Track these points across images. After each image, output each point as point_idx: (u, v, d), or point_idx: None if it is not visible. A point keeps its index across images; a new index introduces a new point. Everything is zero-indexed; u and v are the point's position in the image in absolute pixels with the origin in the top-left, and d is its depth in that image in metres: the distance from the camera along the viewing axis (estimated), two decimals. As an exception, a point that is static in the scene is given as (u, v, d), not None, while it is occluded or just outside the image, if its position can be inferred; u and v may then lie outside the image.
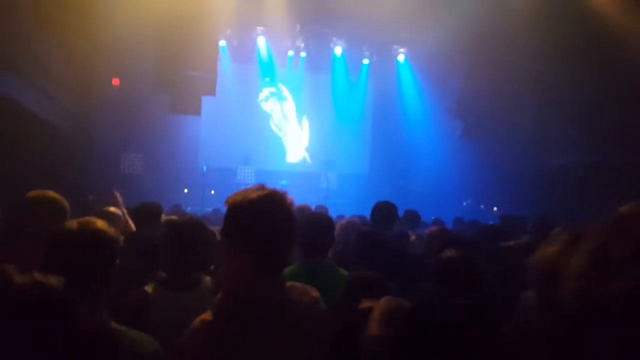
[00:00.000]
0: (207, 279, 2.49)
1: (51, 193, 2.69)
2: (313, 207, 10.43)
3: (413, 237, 4.38)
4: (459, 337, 1.13)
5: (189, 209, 10.48)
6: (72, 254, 1.59)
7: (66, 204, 2.67)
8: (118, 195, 3.81)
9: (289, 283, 1.63)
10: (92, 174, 9.45)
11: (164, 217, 4.57)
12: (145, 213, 3.67)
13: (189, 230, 2.49)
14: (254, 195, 1.55)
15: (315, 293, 1.66)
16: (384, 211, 3.96)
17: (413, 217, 5.02)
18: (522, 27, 8.84)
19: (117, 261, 1.69)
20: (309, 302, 1.61)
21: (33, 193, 2.72)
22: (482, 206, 12.02)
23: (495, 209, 11.48)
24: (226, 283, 1.60)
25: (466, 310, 1.20)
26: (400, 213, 7.04)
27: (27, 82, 6.99)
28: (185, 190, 11.68)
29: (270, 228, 1.52)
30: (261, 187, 1.62)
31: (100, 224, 1.68)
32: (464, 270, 2.18)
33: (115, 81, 10.89)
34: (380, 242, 2.98)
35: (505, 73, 9.67)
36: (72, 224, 1.68)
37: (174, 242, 2.46)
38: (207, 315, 1.53)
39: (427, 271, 2.59)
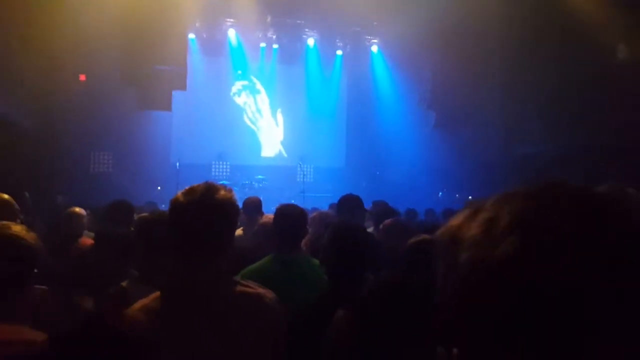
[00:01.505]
0: None
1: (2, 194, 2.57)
2: (288, 202, 10.39)
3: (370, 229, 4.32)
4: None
5: (163, 207, 10.29)
6: None
7: (15, 205, 2.56)
8: None
9: (239, 280, 1.66)
10: (61, 174, 9.16)
11: (136, 215, 4.45)
12: (116, 211, 3.54)
13: (161, 227, 2.43)
14: (184, 191, 1.60)
15: (268, 294, 1.64)
16: (349, 203, 3.92)
17: (381, 209, 4.80)
18: (491, 18, 8.95)
19: (34, 270, 1.63)
20: (251, 300, 1.60)
21: None
22: (457, 195, 12.17)
23: (470, 198, 11.63)
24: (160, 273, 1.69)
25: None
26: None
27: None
28: (159, 188, 11.43)
29: (187, 220, 1.55)
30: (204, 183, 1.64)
31: (15, 230, 1.60)
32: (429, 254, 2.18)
33: (82, 77, 10.53)
34: (351, 234, 3.01)
35: (476, 64, 9.79)
36: None
37: (146, 240, 2.39)
38: (146, 300, 1.56)
39: (388, 261, 2.61)
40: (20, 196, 4.63)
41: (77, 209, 3.95)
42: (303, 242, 3.88)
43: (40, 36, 7.91)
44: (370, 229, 4.43)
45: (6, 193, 6.91)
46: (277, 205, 7.30)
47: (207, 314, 1.51)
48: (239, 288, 1.62)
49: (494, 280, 0.50)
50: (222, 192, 1.59)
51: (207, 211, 1.55)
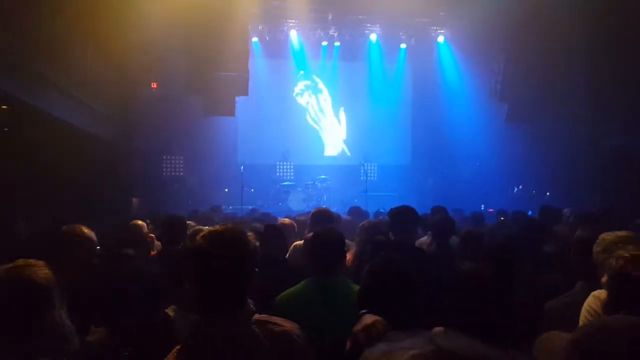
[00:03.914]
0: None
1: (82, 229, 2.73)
2: (352, 202, 10.30)
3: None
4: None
5: (230, 208, 10.61)
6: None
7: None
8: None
9: (263, 318, 1.63)
10: (136, 178, 9.73)
11: (191, 226, 4.54)
12: (169, 227, 3.61)
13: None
14: (201, 237, 1.58)
15: (294, 330, 1.64)
16: (402, 216, 3.71)
17: (439, 220, 4.34)
18: (569, 8, 8.19)
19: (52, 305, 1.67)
20: (278, 339, 1.59)
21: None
22: (534, 191, 11.37)
23: (547, 194, 10.83)
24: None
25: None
26: (446, 203, 6.73)
27: (65, 95, 7.19)
28: (226, 190, 11.80)
29: (208, 270, 1.53)
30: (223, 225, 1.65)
31: (30, 270, 1.66)
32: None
33: (154, 85, 11.10)
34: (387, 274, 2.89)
35: (552, 52, 9.01)
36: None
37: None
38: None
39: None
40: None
41: (139, 222, 4.09)
42: (349, 254, 3.76)
43: (110, 48, 8.36)
44: (425, 239, 4.19)
45: (85, 197, 7.40)
46: (346, 206, 7.18)
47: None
48: (263, 330, 1.59)
49: None
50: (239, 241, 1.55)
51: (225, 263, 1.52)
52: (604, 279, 1.68)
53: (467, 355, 0.63)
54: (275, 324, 1.64)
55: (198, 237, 1.58)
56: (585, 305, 1.94)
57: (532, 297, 2.64)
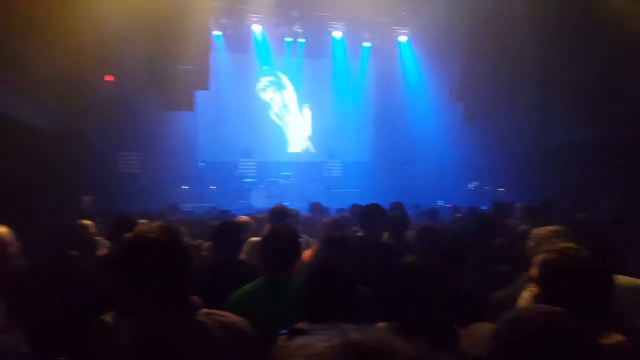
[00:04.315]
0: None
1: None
2: (315, 199, 10.31)
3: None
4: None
5: (189, 206, 10.39)
6: None
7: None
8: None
9: (210, 311, 1.64)
10: (89, 175, 9.35)
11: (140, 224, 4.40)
12: (117, 227, 3.48)
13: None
14: (150, 230, 1.56)
15: (242, 322, 1.67)
16: (370, 214, 3.76)
17: (397, 215, 4.42)
18: (523, 8, 8.50)
19: None
20: (227, 328, 1.63)
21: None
22: (487, 187, 11.73)
23: (501, 189, 11.19)
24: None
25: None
26: (406, 199, 6.88)
27: (15, 92, 6.84)
28: (185, 187, 11.55)
29: (162, 261, 1.52)
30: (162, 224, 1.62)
31: None
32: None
33: (108, 78, 10.68)
34: (346, 249, 2.90)
35: (506, 54, 9.33)
36: None
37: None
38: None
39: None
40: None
41: (86, 222, 3.93)
42: (309, 251, 3.75)
43: (64, 38, 7.98)
44: (386, 234, 4.23)
45: (35, 196, 7.04)
46: (309, 203, 7.15)
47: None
48: (211, 320, 1.62)
49: None
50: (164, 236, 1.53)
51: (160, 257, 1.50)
52: (534, 272, 1.72)
53: (373, 346, 0.66)
54: (222, 315, 1.66)
55: (127, 236, 1.54)
56: (521, 299, 2.00)
57: (482, 289, 2.70)
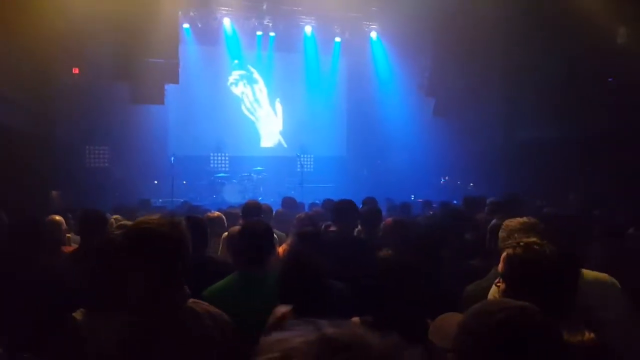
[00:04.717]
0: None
1: None
2: (288, 193, 10.34)
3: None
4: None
5: (160, 201, 10.22)
6: None
7: None
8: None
9: (193, 301, 1.76)
10: (58, 169, 9.08)
11: (113, 219, 4.33)
12: (84, 222, 3.41)
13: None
14: (154, 221, 1.70)
15: (224, 315, 1.79)
16: (343, 210, 3.82)
17: (367, 209, 4.35)
18: (491, 3, 8.70)
19: None
20: (214, 315, 1.75)
21: None
22: (458, 182, 12.00)
23: (471, 184, 11.48)
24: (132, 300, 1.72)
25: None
26: (378, 194, 6.98)
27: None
28: (155, 182, 11.35)
29: (164, 250, 1.65)
30: (163, 215, 1.76)
31: None
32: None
33: (75, 70, 10.36)
34: (319, 244, 2.97)
35: (474, 49, 9.54)
36: None
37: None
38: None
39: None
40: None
41: (57, 217, 3.83)
42: (283, 246, 3.77)
43: (29, 30, 7.73)
44: (357, 228, 4.30)
45: (2, 190, 6.78)
46: (282, 197, 7.15)
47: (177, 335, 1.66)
48: (199, 307, 1.75)
49: None
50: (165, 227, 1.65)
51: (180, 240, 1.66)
52: (500, 266, 1.76)
53: (347, 341, 0.68)
54: (206, 304, 1.80)
55: (131, 225, 1.71)
56: (490, 294, 2.03)
57: (455, 283, 2.77)
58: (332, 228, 4.02)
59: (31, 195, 7.37)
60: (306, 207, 6.88)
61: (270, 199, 10.07)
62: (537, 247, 1.68)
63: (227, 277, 2.51)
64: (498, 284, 1.70)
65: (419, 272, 1.95)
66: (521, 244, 1.69)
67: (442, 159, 11.69)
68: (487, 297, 2.03)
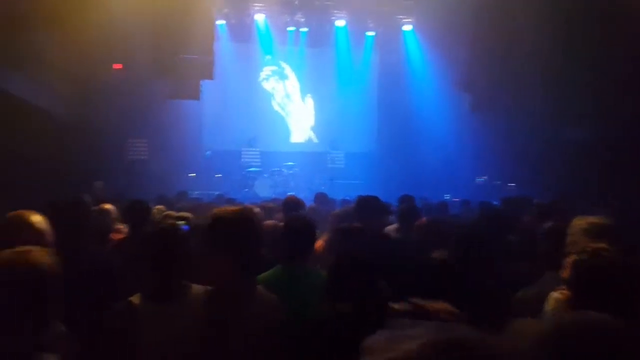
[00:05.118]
0: (195, 287, 2.28)
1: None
2: (319, 189, 10.39)
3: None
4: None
5: (196, 193, 10.43)
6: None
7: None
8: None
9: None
10: (100, 161, 9.42)
11: (156, 209, 4.42)
12: (137, 212, 3.52)
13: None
14: (231, 211, 2.02)
15: (275, 302, 2.08)
16: (368, 206, 3.80)
17: (405, 207, 4.36)
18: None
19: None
20: (269, 307, 2.03)
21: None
22: (498, 182, 11.61)
23: (512, 185, 11.08)
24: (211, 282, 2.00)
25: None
26: (410, 191, 6.86)
27: (26, 76, 6.88)
28: (192, 175, 11.58)
29: (243, 237, 1.93)
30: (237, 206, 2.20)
31: (34, 256, 1.59)
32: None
33: (116, 66, 10.68)
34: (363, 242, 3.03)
35: (514, 42, 9.22)
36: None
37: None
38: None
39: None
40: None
41: (108, 206, 3.97)
42: (319, 242, 3.79)
43: (73, 27, 8.02)
44: (393, 227, 4.27)
45: (45, 182, 7.10)
46: (312, 193, 7.14)
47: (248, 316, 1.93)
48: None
49: None
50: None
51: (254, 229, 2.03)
52: (566, 273, 1.71)
53: (475, 346, 0.68)
54: (265, 290, 2.11)
55: (213, 212, 2.01)
56: (550, 299, 1.93)
57: (498, 286, 2.70)
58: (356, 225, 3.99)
59: (76, 185, 7.67)
60: (337, 204, 6.87)
61: (301, 194, 10.10)
62: (605, 253, 1.63)
63: (272, 269, 2.59)
64: (560, 290, 1.66)
65: (478, 275, 1.93)
66: (587, 249, 1.65)
67: (478, 157, 11.38)
68: (542, 302, 1.98)
